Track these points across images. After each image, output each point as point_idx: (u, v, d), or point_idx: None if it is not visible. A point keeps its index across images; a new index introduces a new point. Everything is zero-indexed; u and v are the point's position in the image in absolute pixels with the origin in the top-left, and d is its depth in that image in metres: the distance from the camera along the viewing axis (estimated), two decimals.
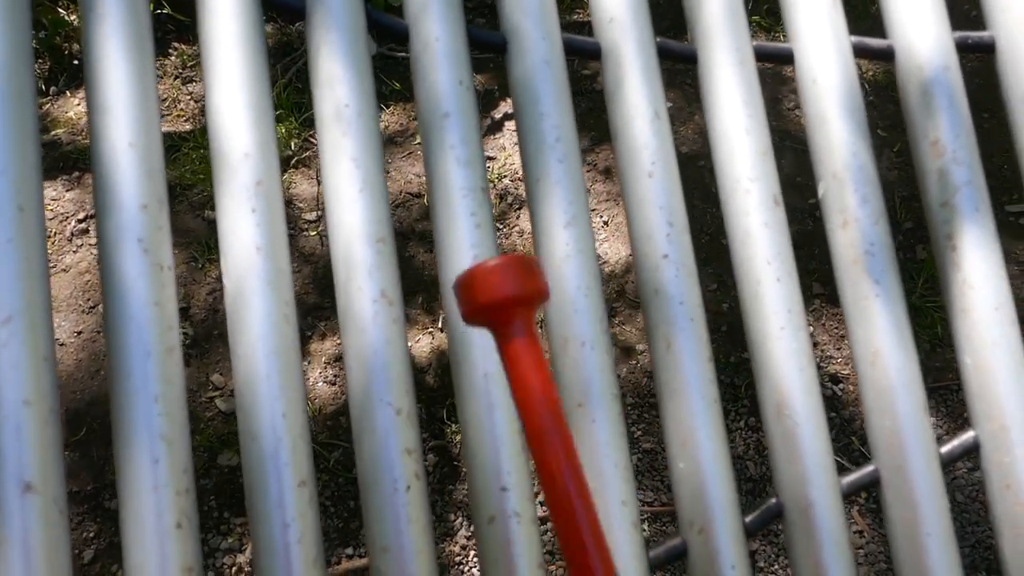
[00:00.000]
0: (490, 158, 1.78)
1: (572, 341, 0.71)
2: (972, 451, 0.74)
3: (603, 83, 0.78)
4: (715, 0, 0.80)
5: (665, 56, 0.79)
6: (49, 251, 1.65)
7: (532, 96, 0.75)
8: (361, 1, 0.74)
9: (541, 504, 1.41)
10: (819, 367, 1.56)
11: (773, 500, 0.73)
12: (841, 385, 1.56)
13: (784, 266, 0.74)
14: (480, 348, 0.69)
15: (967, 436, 0.74)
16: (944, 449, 0.74)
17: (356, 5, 0.73)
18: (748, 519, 0.72)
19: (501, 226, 1.68)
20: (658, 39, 0.79)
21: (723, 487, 0.71)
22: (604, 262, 1.65)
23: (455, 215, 0.71)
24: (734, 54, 0.77)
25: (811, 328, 1.60)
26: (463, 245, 0.70)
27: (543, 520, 1.37)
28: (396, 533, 0.65)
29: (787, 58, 0.79)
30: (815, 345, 1.58)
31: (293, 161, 1.76)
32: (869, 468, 0.74)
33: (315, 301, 1.64)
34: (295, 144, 1.78)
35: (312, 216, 1.76)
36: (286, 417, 0.64)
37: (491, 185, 1.74)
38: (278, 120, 1.76)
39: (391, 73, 1.98)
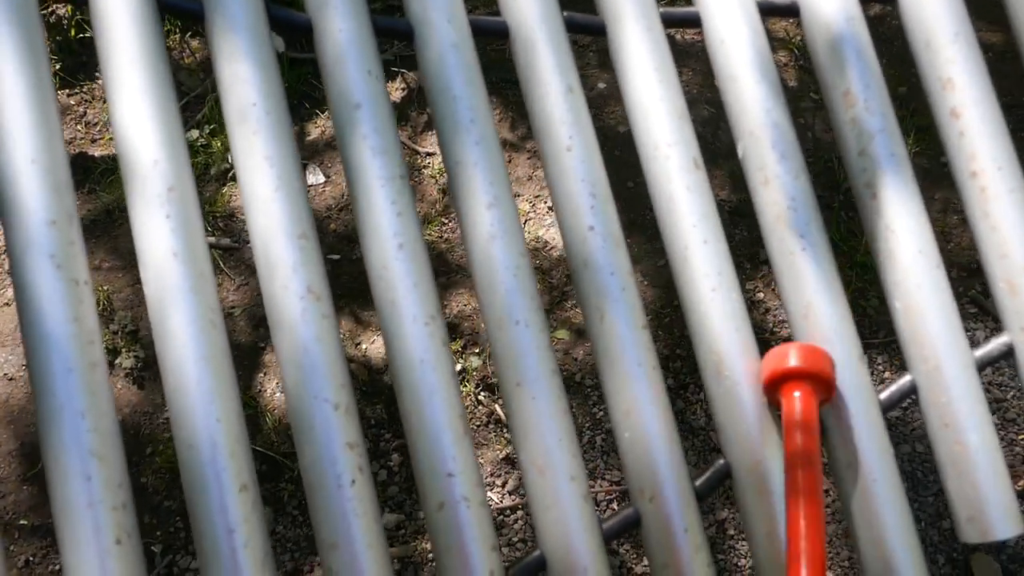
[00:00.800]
0: (430, 154, 1.77)
1: (506, 320, 0.71)
2: (910, 394, 0.75)
3: (514, 62, 0.78)
4: None
5: (573, 29, 0.79)
6: None
7: (443, 81, 0.75)
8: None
9: (490, 487, 1.41)
10: (772, 331, 1.57)
11: (721, 461, 0.73)
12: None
13: (710, 228, 0.75)
14: (414, 337, 0.69)
15: (904, 380, 0.75)
16: (883, 395, 0.75)
17: (255, 3, 0.72)
18: (698, 482, 0.73)
19: (446, 220, 1.67)
20: (565, 13, 0.79)
21: (670, 453, 0.71)
22: (551, 247, 1.66)
23: (375, 205, 0.70)
24: (641, 22, 0.78)
25: (762, 294, 1.61)
26: (386, 234, 0.70)
27: (506, 511, 1.37)
28: (344, 528, 0.64)
29: (694, 22, 0.80)
30: (766, 311, 1.60)
31: (231, 174, 1.74)
32: None
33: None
34: (231, 157, 1.76)
35: None
36: (221, 422, 0.64)
37: (434, 180, 1.73)
38: (212, 134, 1.74)
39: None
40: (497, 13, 0.79)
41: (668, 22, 0.79)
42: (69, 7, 1.84)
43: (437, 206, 1.69)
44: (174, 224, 0.65)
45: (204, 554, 0.63)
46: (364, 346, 1.54)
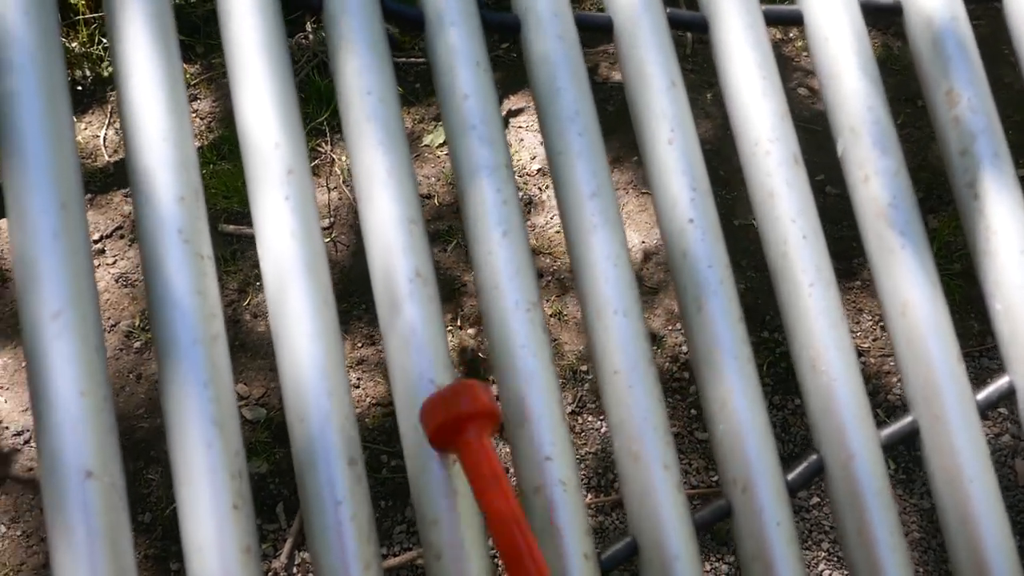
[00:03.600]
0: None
1: (605, 310, 0.72)
2: (1008, 396, 0.74)
3: (618, 57, 0.80)
4: None
5: (676, 25, 0.80)
6: None
7: (548, 72, 0.76)
8: None
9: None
10: (860, 335, 1.56)
11: (814, 456, 0.74)
12: (862, 358, 1.56)
13: (809, 223, 0.75)
14: (516, 323, 0.70)
15: (1002, 382, 0.74)
16: (980, 396, 0.74)
17: None
18: (790, 476, 0.73)
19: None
20: (668, 9, 0.81)
21: (763, 444, 0.71)
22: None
23: (481, 193, 0.72)
24: (744, 18, 0.79)
25: (847, 296, 1.60)
26: (491, 222, 0.72)
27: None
28: (443, 504, 0.66)
29: (797, 20, 0.80)
30: (857, 323, 1.58)
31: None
32: (907, 419, 0.74)
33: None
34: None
35: (324, 223, 1.78)
36: (331, 396, 0.66)
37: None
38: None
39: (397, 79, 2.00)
40: (603, 9, 0.81)
41: (771, 19, 0.80)
42: None
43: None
44: (293, 205, 0.67)
45: (312, 526, 0.65)
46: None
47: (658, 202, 0.76)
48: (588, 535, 0.69)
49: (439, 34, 0.76)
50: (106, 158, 1.99)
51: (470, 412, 0.59)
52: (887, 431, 0.74)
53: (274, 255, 0.68)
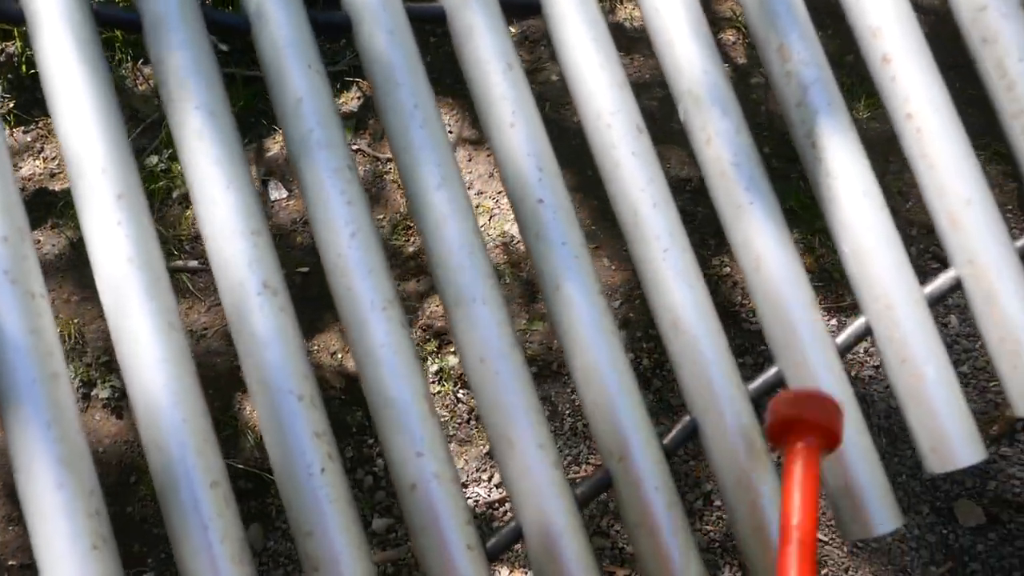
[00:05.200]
0: (390, 159, 1.78)
1: (463, 299, 0.72)
2: (866, 335, 0.76)
3: (453, 44, 0.79)
4: None
5: (509, 11, 0.80)
6: None
7: (384, 68, 0.76)
8: (197, 3, 0.74)
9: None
10: (741, 303, 1.59)
11: (687, 418, 0.74)
12: (737, 312, 1.58)
13: (659, 191, 0.76)
14: (373, 323, 0.69)
15: (859, 322, 0.76)
16: (839, 339, 0.76)
17: (191, 6, 0.73)
18: (665, 440, 0.74)
19: (411, 224, 1.68)
20: None
21: (634, 413, 0.72)
22: (517, 241, 1.66)
23: (326, 195, 0.71)
24: None
25: (728, 268, 1.62)
26: (338, 224, 0.71)
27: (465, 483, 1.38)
28: (318, 516, 0.65)
29: None
30: (734, 284, 1.61)
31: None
32: (773, 370, 0.76)
33: None
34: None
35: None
36: (187, 422, 0.64)
37: (396, 185, 1.74)
38: (171, 158, 1.74)
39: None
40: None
41: None
42: (18, 43, 1.84)
43: (401, 210, 1.70)
44: (127, 230, 0.65)
45: (180, 553, 0.63)
46: (339, 355, 1.54)
47: (507, 185, 0.76)
48: (470, 525, 0.69)
49: (266, 40, 0.75)
50: None
51: (825, 424, 0.61)
52: (753, 385, 0.75)
53: (112, 282, 0.66)
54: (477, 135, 1.80)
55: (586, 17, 0.80)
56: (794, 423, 0.61)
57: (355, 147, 1.79)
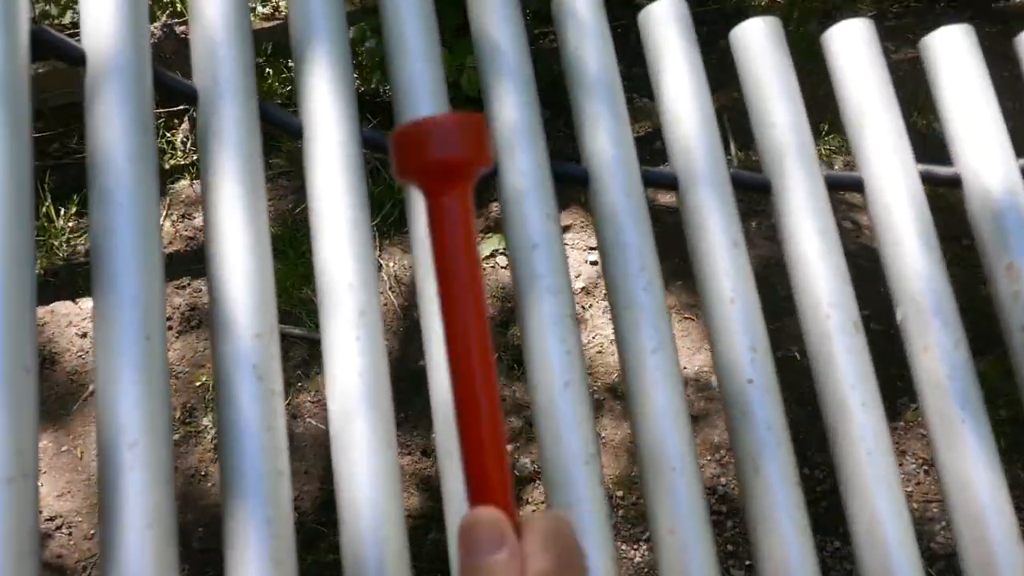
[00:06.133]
0: None
1: (663, 468, 0.72)
2: None
3: (681, 213, 0.82)
4: (785, 130, 0.84)
5: (739, 186, 0.82)
6: None
7: (615, 227, 0.79)
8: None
9: None
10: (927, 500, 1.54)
11: None
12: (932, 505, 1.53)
13: (868, 390, 0.76)
14: (575, 475, 0.71)
15: None
16: None
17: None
18: None
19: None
20: (731, 170, 0.83)
21: None
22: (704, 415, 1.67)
23: (545, 343, 0.74)
24: (806, 183, 0.81)
25: (898, 446, 1.58)
26: (554, 372, 0.73)
27: None
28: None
29: (857, 186, 0.83)
30: (900, 464, 1.56)
31: None
32: None
33: None
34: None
35: None
36: (388, 541, 0.66)
37: None
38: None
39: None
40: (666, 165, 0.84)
41: (832, 184, 0.82)
42: None
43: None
44: (363, 346, 0.69)
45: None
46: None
47: (718, 361, 0.77)
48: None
49: (507, 183, 0.79)
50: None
51: (467, 158, 0.37)
52: None
53: (341, 389, 0.69)
54: (687, 305, 1.83)
55: (815, 205, 0.81)
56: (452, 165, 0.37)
57: None
